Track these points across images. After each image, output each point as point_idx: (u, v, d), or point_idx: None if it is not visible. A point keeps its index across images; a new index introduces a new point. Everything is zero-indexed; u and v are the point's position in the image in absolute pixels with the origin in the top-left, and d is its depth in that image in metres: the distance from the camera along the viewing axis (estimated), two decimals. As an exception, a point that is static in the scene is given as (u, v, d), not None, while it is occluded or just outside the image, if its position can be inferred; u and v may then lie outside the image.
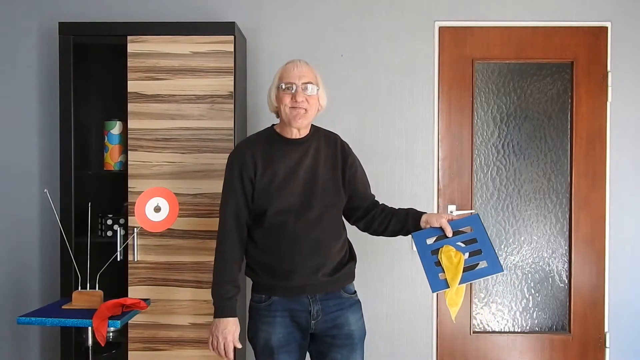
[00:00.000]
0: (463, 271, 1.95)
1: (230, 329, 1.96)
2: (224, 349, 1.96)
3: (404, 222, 2.08)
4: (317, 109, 2.04)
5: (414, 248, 2.05)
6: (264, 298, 2.00)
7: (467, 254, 1.96)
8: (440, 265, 1.98)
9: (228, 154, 2.50)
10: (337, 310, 2.01)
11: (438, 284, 1.97)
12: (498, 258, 1.96)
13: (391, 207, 2.16)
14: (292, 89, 1.96)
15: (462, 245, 1.98)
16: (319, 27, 2.95)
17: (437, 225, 2.01)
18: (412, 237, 2.05)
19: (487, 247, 1.97)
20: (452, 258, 1.96)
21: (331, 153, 2.06)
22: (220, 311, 1.98)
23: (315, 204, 1.97)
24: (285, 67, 2.02)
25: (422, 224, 2.04)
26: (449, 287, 1.95)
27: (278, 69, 2.07)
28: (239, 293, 2.03)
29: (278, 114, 2.05)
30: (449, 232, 1.99)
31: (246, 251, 2.04)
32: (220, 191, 2.61)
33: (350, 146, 2.15)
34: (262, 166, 1.98)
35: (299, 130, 2.02)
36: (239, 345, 2.00)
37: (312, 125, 2.09)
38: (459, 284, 1.94)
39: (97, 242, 2.68)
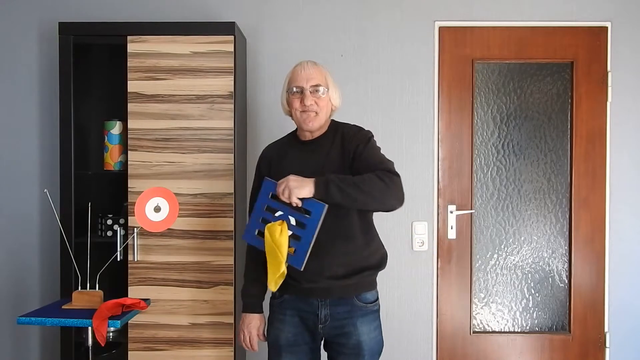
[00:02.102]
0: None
1: (255, 324, 2.06)
2: (249, 342, 2.07)
3: None
4: (329, 109, 2.02)
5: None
6: (277, 295, 2.03)
7: (290, 232, 1.84)
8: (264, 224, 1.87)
9: (228, 154, 2.53)
10: (346, 317, 1.94)
11: (252, 237, 1.91)
12: (306, 256, 1.80)
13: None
14: (301, 92, 1.96)
15: (292, 222, 1.84)
16: (319, 27, 2.95)
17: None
18: (264, 179, 1.93)
19: (306, 239, 1.81)
20: (277, 236, 1.82)
21: (344, 149, 1.95)
22: (246, 307, 2.08)
23: None
24: (293, 70, 2.01)
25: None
26: (259, 247, 1.87)
27: (288, 71, 2.07)
28: (266, 291, 2.05)
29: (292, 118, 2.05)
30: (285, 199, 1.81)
31: None
32: (221, 191, 2.62)
33: None
34: (272, 169, 2.00)
35: (311, 133, 2.01)
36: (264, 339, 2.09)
37: (333, 122, 2.06)
38: (259, 247, 1.88)
39: (97, 242, 2.68)
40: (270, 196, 1.88)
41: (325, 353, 2.06)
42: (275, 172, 1.97)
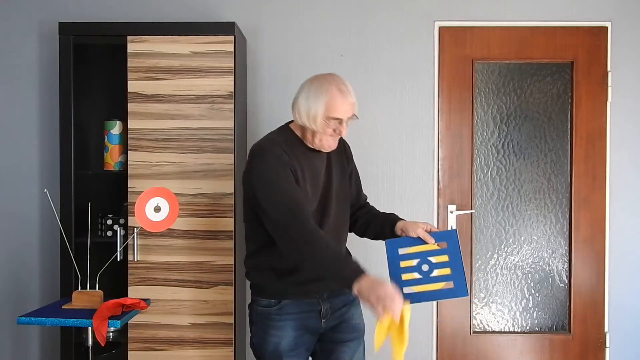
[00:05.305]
0: (427, 290, 1.86)
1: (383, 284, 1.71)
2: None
3: (381, 226, 2.04)
4: None
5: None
6: (273, 302, 1.95)
7: (435, 271, 1.88)
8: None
9: (228, 154, 2.52)
10: (344, 305, 2.02)
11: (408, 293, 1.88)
12: (465, 281, 1.85)
13: (376, 210, 2.14)
14: (339, 123, 1.88)
15: (433, 261, 1.90)
16: (319, 27, 2.95)
17: (414, 236, 1.92)
18: (384, 243, 1.96)
19: (457, 267, 1.87)
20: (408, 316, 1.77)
21: (339, 157, 2.04)
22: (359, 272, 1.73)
23: (332, 211, 1.97)
24: (333, 97, 1.84)
25: (397, 231, 1.97)
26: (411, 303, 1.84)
27: (318, 87, 1.86)
28: None
29: (304, 128, 1.91)
30: (431, 240, 1.91)
31: (261, 255, 1.96)
32: (221, 191, 2.58)
33: (351, 147, 2.15)
34: (295, 171, 1.89)
35: None
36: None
37: None
38: (421, 301, 1.85)
39: (97, 242, 2.68)
40: (398, 252, 1.93)
41: (317, 350, 2.05)
42: (298, 177, 1.88)
